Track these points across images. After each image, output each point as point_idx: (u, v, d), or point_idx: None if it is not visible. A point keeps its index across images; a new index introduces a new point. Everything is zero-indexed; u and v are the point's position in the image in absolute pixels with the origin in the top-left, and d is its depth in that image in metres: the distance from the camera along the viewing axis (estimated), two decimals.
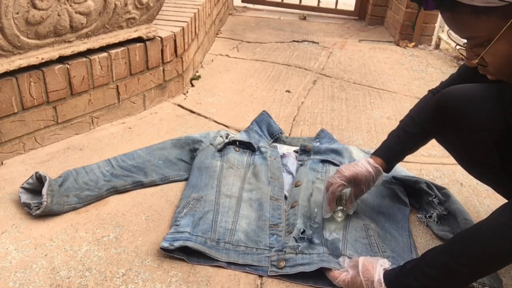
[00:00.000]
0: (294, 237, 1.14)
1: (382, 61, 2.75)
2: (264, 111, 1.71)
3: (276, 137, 1.64)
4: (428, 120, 1.17)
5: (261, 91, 2.16)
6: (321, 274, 1.06)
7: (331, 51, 2.86)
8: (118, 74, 1.68)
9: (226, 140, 1.54)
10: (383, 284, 0.96)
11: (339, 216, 1.22)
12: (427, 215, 1.30)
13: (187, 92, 2.08)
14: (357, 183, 1.21)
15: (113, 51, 1.63)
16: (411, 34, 3.08)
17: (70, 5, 1.39)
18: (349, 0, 3.87)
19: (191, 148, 1.52)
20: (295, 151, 1.57)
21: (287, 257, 1.09)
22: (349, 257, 1.09)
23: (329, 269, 1.06)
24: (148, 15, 1.70)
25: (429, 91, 1.28)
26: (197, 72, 2.32)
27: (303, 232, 1.16)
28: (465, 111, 1.04)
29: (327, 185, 1.21)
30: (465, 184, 1.50)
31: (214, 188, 1.33)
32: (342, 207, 1.23)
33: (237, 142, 1.54)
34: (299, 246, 1.11)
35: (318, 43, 3.03)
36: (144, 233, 1.19)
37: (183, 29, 1.94)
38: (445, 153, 1.67)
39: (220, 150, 1.50)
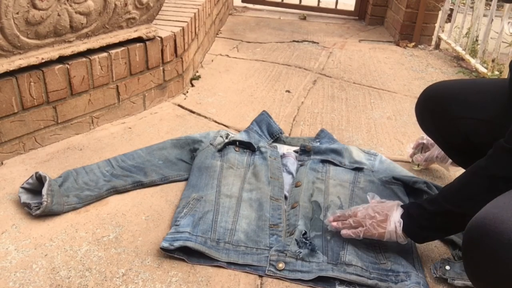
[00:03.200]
0: (296, 239, 1.14)
1: (382, 61, 2.75)
2: (264, 111, 1.71)
3: (276, 137, 1.63)
4: (416, 111, 1.35)
5: (261, 91, 2.16)
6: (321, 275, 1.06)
7: (331, 51, 2.86)
8: (118, 74, 1.68)
9: (226, 140, 1.54)
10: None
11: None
12: None
13: (187, 92, 2.08)
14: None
15: (113, 51, 1.63)
16: (411, 34, 3.08)
17: (70, 5, 1.39)
18: (349, 0, 3.87)
19: (191, 148, 1.52)
20: (295, 151, 1.57)
21: (287, 261, 1.09)
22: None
23: (347, 231, 1.13)
24: (148, 15, 1.70)
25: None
26: (197, 72, 2.32)
27: (305, 233, 1.16)
28: (445, 100, 1.21)
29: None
30: None
31: (214, 188, 1.33)
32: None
33: (237, 142, 1.53)
34: (300, 252, 1.10)
35: (318, 43, 3.03)
36: (144, 233, 1.19)
37: (183, 29, 1.94)
38: None
39: (220, 150, 1.50)
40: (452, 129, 1.21)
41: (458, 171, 1.46)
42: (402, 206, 1.09)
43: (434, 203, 1.02)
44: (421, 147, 1.56)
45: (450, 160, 1.45)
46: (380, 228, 1.07)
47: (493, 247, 0.76)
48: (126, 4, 1.57)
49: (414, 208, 1.06)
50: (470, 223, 0.83)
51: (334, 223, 1.15)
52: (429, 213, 1.02)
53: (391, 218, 1.06)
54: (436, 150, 1.49)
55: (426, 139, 1.54)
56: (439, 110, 1.25)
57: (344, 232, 1.13)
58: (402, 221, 1.05)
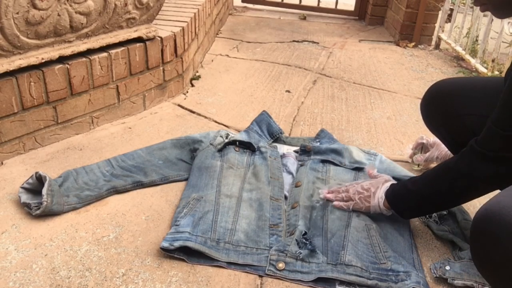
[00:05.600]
0: (296, 240, 1.14)
1: (382, 61, 2.75)
2: (264, 111, 1.71)
3: (276, 137, 1.64)
4: (421, 108, 1.36)
5: (261, 91, 2.16)
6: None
7: (331, 51, 2.86)
8: (118, 74, 1.68)
9: (226, 140, 1.54)
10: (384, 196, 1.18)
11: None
12: (427, 215, 1.30)
13: (187, 92, 2.08)
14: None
15: (113, 51, 1.63)
16: (411, 34, 3.08)
17: (70, 5, 1.39)
18: (349, 0, 3.87)
19: (191, 148, 1.52)
20: (295, 151, 1.57)
21: (288, 261, 1.09)
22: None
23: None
24: (148, 15, 1.70)
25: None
26: (197, 72, 2.32)
27: (305, 233, 1.16)
28: (450, 97, 1.23)
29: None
30: None
31: (214, 188, 1.33)
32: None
33: (237, 142, 1.53)
34: (300, 253, 1.10)
35: (318, 43, 3.03)
36: (144, 233, 1.19)
37: (183, 29, 1.94)
38: None
39: (220, 150, 1.50)
40: (458, 126, 1.22)
41: None
42: (391, 184, 1.21)
43: (415, 184, 1.13)
44: (420, 147, 1.56)
45: None
46: (366, 203, 1.21)
47: (499, 233, 0.78)
48: (126, 4, 1.57)
49: (398, 186, 1.18)
50: (478, 212, 0.84)
51: (328, 195, 1.29)
52: (410, 192, 1.14)
53: (376, 194, 1.20)
54: (436, 151, 1.49)
55: (426, 139, 1.54)
56: (445, 108, 1.26)
57: (336, 203, 1.26)
58: (384, 197, 1.18)
